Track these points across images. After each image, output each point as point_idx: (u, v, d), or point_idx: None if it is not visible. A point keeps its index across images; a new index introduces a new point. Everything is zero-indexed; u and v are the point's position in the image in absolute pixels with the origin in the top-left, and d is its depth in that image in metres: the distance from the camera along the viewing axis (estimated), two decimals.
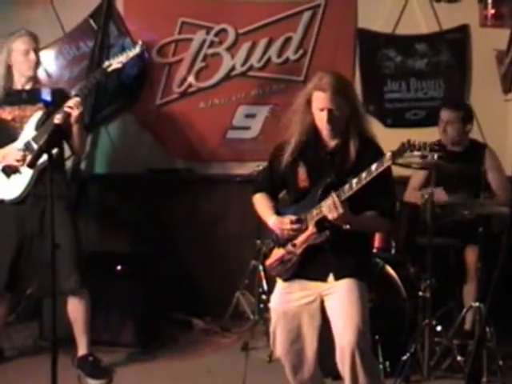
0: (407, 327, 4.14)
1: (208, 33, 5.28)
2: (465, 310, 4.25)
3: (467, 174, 4.32)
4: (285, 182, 3.35)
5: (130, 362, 4.41)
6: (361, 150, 3.17)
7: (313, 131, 3.25)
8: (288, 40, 5.23)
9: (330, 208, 3.04)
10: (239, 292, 5.00)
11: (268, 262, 3.37)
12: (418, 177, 4.61)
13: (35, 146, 4.03)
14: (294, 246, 3.24)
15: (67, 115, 3.99)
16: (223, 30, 5.28)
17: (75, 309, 4.16)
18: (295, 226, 3.19)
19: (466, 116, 4.51)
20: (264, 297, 4.69)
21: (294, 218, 3.19)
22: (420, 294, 4.08)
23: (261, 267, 4.71)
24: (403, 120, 5.17)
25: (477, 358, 3.72)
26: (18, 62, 4.15)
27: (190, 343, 4.77)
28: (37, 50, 4.20)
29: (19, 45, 4.14)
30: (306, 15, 5.21)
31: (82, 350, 4.20)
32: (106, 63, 4.24)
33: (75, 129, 4.09)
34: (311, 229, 3.17)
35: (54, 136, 3.70)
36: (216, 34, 5.28)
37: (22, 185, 4.10)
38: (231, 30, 5.26)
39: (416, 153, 2.97)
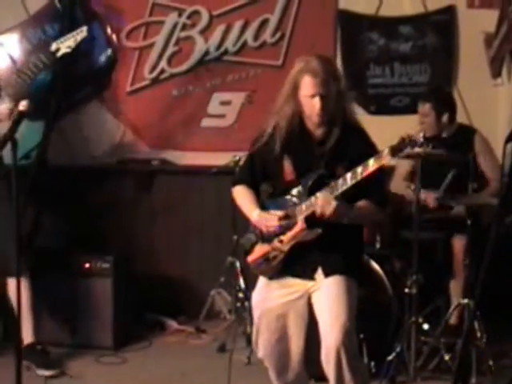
0: (393, 325, 4.04)
1: (180, 15, 5.19)
2: (452, 308, 4.16)
3: (454, 162, 4.20)
4: (268, 174, 3.21)
5: (99, 366, 4.31)
6: (348, 137, 3.05)
7: (297, 120, 3.10)
8: (265, 22, 5.12)
9: (323, 204, 2.91)
10: (215, 290, 4.87)
11: (251, 258, 3.21)
12: (403, 166, 4.50)
13: None
14: (281, 242, 3.08)
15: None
16: (196, 12, 5.17)
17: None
18: (283, 223, 3.04)
19: (440, 105, 4.38)
20: (241, 295, 4.59)
21: (281, 213, 3.04)
22: (406, 290, 3.97)
23: (238, 264, 4.62)
24: (387, 107, 5.08)
25: (465, 357, 3.60)
26: None
27: (163, 345, 4.67)
28: None
29: None
30: None
31: (28, 337, 4.06)
32: (54, 46, 4.11)
33: None
34: (300, 224, 3.02)
35: (19, 124, 3.47)
36: (189, 17, 5.18)
37: None
38: (204, 12, 5.16)
39: (417, 149, 2.81)
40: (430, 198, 4.28)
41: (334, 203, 2.88)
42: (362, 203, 3.04)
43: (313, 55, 3.08)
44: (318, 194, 2.95)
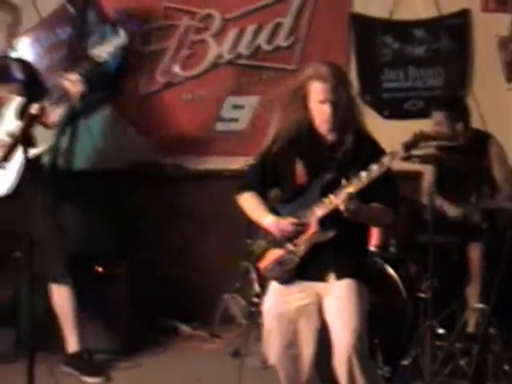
0: (408, 330, 4.03)
1: (193, 18, 5.15)
2: (467, 314, 4.15)
3: (470, 167, 4.21)
4: (278, 180, 3.21)
5: (113, 371, 4.25)
6: (359, 143, 3.06)
7: (307, 125, 3.10)
8: (278, 26, 5.11)
9: (342, 201, 2.91)
10: (228, 295, 4.85)
11: (263, 263, 3.19)
12: (428, 179, 4.43)
13: None
14: (296, 245, 3.07)
15: (65, 92, 3.86)
16: (209, 16, 5.15)
17: (62, 297, 4.07)
18: (299, 229, 3.05)
19: (455, 114, 4.34)
20: (256, 300, 4.54)
21: (296, 221, 3.05)
22: (421, 294, 3.96)
23: (252, 268, 4.58)
24: (401, 111, 5.07)
25: (480, 362, 3.58)
26: None
27: (177, 350, 4.64)
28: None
29: None
30: None
31: (74, 345, 4.09)
32: (95, 52, 4.02)
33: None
34: (314, 226, 3.02)
35: (30, 127, 3.47)
36: (201, 20, 5.15)
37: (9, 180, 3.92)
38: (217, 16, 5.14)
39: (432, 143, 2.83)
40: (449, 209, 4.30)
41: (352, 200, 2.89)
42: (374, 204, 3.04)
43: (322, 62, 3.09)
44: (332, 196, 2.95)
